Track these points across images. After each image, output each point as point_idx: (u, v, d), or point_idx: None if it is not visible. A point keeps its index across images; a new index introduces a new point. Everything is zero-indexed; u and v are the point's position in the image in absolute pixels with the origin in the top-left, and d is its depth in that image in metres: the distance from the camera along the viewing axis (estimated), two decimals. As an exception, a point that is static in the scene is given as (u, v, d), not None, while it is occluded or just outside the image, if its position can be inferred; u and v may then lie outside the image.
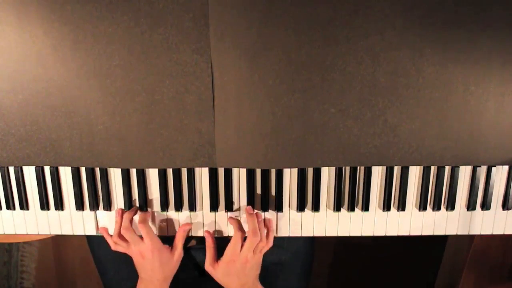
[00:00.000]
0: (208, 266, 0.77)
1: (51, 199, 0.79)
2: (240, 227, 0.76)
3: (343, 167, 0.75)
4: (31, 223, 0.80)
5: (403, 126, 0.71)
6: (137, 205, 0.78)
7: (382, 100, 0.70)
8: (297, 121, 0.71)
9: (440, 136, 0.72)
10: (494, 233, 0.79)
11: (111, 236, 0.77)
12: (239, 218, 0.79)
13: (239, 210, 0.79)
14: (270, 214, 0.78)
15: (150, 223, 0.79)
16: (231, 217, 0.79)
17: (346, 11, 0.66)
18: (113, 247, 0.76)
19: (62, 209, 0.79)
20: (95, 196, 0.78)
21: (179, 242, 0.78)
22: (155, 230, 0.80)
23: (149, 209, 0.79)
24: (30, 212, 0.80)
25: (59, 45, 0.68)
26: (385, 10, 0.66)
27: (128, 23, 0.67)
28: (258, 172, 0.76)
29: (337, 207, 0.77)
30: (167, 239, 0.81)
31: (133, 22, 0.67)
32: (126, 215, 0.75)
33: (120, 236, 0.75)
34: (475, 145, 0.72)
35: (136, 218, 0.77)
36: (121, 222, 0.75)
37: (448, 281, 0.99)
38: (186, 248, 1.07)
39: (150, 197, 0.78)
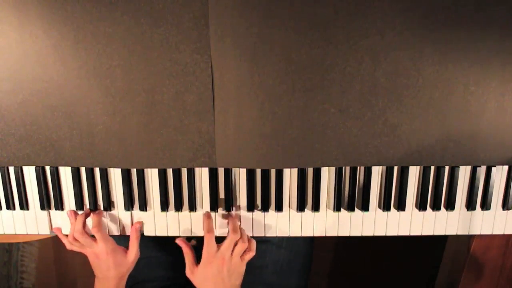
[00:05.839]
0: (188, 273, 0.74)
1: (51, 199, 0.79)
2: (210, 228, 0.74)
3: (343, 167, 0.75)
4: (31, 223, 0.80)
5: (403, 126, 0.71)
6: (102, 206, 0.78)
7: (382, 100, 0.70)
8: (297, 121, 0.71)
9: (440, 136, 0.72)
10: (494, 233, 0.79)
11: (66, 236, 0.77)
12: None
13: (239, 210, 0.79)
14: (270, 214, 0.78)
15: (149, 224, 0.79)
16: (206, 214, 0.76)
17: (346, 11, 0.66)
18: (68, 247, 0.77)
19: (62, 209, 0.79)
20: (95, 196, 0.78)
21: (133, 242, 0.78)
22: (154, 231, 0.80)
23: (112, 210, 0.79)
24: (30, 212, 0.80)
25: (59, 45, 0.68)
26: (385, 10, 0.66)
27: (128, 23, 0.67)
28: (258, 172, 0.76)
29: (337, 207, 0.77)
30: (167, 239, 0.81)
31: (133, 22, 0.67)
32: (79, 218, 0.75)
33: (75, 237, 0.75)
34: (475, 145, 0.72)
35: (89, 221, 0.77)
36: (75, 224, 0.75)
37: (448, 281, 0.99)
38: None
39: (150, 197, 0.78)
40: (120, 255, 0.76)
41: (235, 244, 0.72)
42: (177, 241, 0.75)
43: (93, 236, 0.76)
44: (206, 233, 0.73)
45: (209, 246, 0.72)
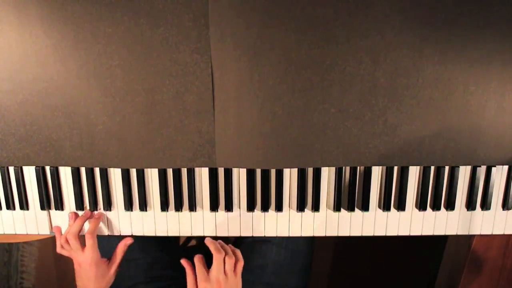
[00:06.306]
0: None
1: (51, 199, 0.79)
2: (200, 257, 0.71)
3: (343, 167, 0.75)
4: (31, 223, 0.80)
5: (403, 126, 0.71)
6: (102, 208, 0.78)
7: (382, 100, 0.70)
8: (297, 121, 0.71)
9: (440, 136, 0.72)
10: (494, 233, 0.79)
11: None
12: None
13: (239, 210, 0.79)
14: (270, 214, 0.78)
15: (149, 224, 0.79)
16: (198, 259, 0.72)
17: (346, 11, 0.66)
18: (58, 249, 0.77)
19: (62, 209, 0.79)
20: (95, 196, 0.78)
21: (118, 256, 0.78)
22: (154, 231, 0.80)
23: (100, 211, 0.79)
24: (30, 212, 0.80)
25: (59, 45, 0.68)
26: (385, 10, 0.66)
27: (128, 23, 0.67)
28: (258, 172, 0.76)
29: (337, 207, 0.77)
30: (166, 239, 0.81)
31: (133, 22, 0.67)
32: (78, 221, 0.75)
33: (67, 239, 0.75)
34: (475, 145, 0.72)
35: (86, 225, 0.77)
36: (72, 226, 0.75)
37: (448, 281, 0.99)
38: (185, 248, 1.07)
39: (150, 197, 0.78)
40: (102, 268, 0.76)
41: (224, 262, 0.69)
42: (182, 261, 0.72)
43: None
44: (197, 257, 0.70)
45: (199, 271, 0.69)
